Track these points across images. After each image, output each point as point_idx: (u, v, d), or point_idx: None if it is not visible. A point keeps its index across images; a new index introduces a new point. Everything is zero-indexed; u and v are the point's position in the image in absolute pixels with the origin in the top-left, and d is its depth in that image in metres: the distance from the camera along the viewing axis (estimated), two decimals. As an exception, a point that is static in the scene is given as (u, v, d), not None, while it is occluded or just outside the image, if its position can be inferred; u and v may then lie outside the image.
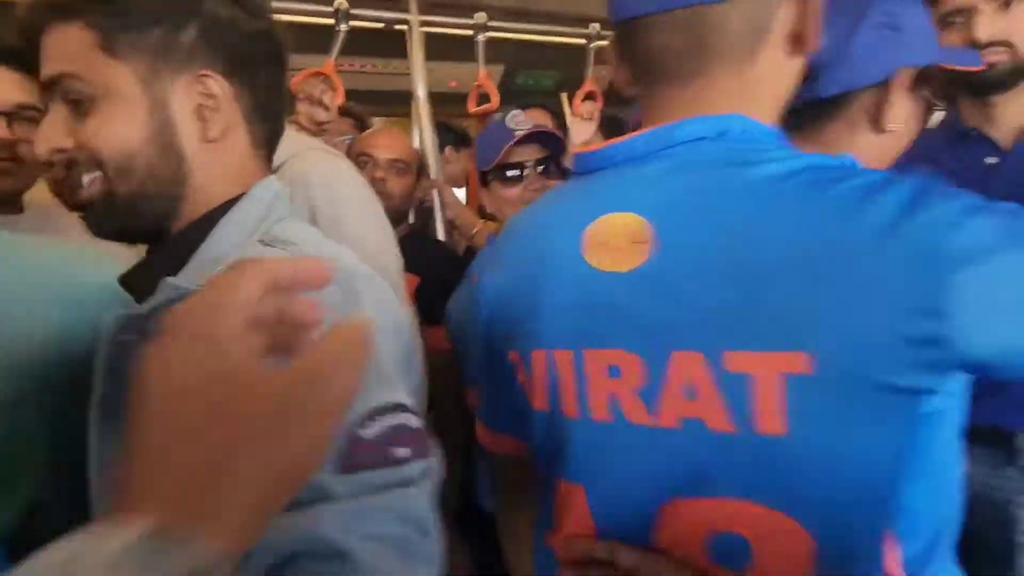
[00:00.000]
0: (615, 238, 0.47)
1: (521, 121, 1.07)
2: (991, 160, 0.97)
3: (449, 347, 1.22)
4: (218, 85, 0.48)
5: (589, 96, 1.80)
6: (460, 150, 2.01)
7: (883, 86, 0.64)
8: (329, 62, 1.39)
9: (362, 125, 1.82)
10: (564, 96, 2.74)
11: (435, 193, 1.46)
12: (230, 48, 0.49)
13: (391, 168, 1.29)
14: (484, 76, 1.59)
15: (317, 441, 0.25)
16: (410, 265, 1.25)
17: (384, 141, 1.31)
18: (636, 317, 0.45)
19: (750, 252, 0.42)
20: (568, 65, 2.56)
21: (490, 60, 2.25)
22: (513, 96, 1.59)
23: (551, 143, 1.08)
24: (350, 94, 1.41)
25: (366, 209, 0.95)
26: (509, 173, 1.07)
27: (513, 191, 1.07)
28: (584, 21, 1.91)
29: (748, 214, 0.43)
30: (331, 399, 0.24)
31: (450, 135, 1.95)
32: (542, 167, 1.07)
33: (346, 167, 0.96)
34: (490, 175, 1.10)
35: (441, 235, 1.47)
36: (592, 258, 0.48)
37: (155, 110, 0.47)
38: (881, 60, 0.63)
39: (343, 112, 1.66)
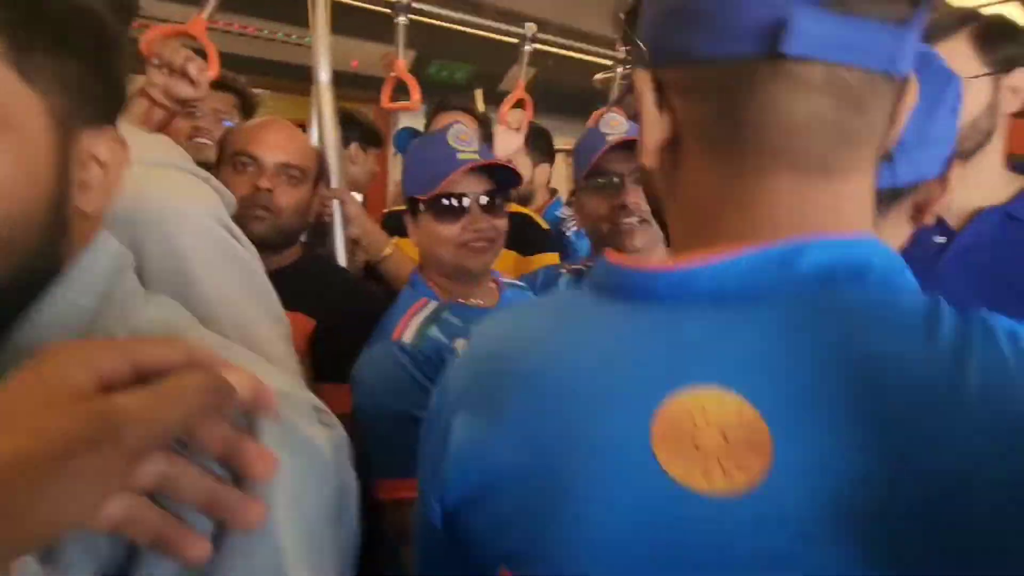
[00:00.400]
0: (709, 432, 0.29)
1: (468, 141, 0.86)
2: (939, 240, 0.96)
3: (349, 411, 0.99)
4: (115, 147, 0.37)
5: (518, 104, 1.62)
6: (368, 149, 1.71)
7: (943, 175, 0.53)
8: (199, 18, 1.06)
9: (246, 104, 1.46)
10: (479, 93, 2.55)
11: (336, 205, 1.19)
12: (123, 97, 0.40)
13: (281, 175, 1.00)
14: (402, 65, 1.33)
15: (91, 492, 0.25)
16: (301, 301, 0.98)
17: (273, 138, 1.01)
18: (751, 571, 0.28)
19: (951, 484, 0.26)
20: (484, 59, 2.36)
21: (407, 44, 1.98)
22: (422, 88, 1.35)
23: (502, 174, 0.88)
24: (226, 62, 1.08)
25: (234, 268, 0.64)
26: (447, 202, 0.85)
27: (451, 228, 0.85)
28: (510, 15, 1.71)
29: (936, 414, 0.27)
30: (119, 453, 0.25)
31: (356, 129, 1.65)
32: (487, 200, 0.87)
33: (198, 199, 0.63)
34: (423, 205, 0.87)
35: (341, 259, 1.20)
36: (670, 461, 0.29)
37: (59, 166, 0.35)
38: (949, 147, 0.52)
39: (220, 85, 1.31)
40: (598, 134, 1.05)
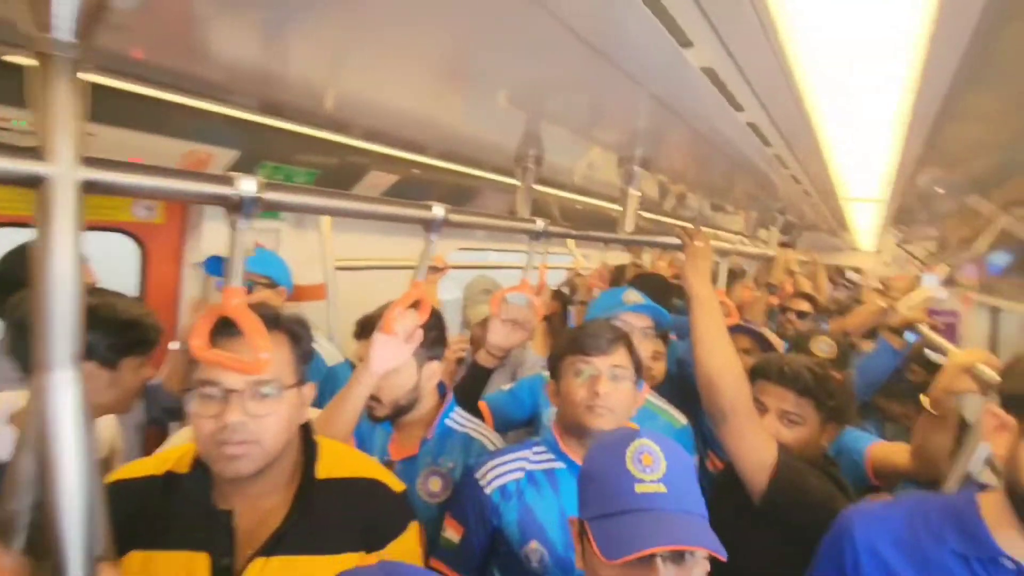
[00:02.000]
0: None
1: None
2: None
3: None
4: None
5: (415, 304, 1.11)
6: (120, 362, 1.04)
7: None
8: None
9: None
10: (327, 220, 1.97)
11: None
12: None
13: None
14: (235, 298, 0.75)
15: None
16: None
17: None
18: None
19: None
20: (329, 162, 1.79)
21: (220, 141, 1.47)
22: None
23: None
24: None
25: None
26: None
27: None
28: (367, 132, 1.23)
29: None
30: None
31: (101, 336, 0.98)
32: None
33: None
34: None
35: None
36: None
37: None
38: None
39: None
40: (630, 490, 0.72)
